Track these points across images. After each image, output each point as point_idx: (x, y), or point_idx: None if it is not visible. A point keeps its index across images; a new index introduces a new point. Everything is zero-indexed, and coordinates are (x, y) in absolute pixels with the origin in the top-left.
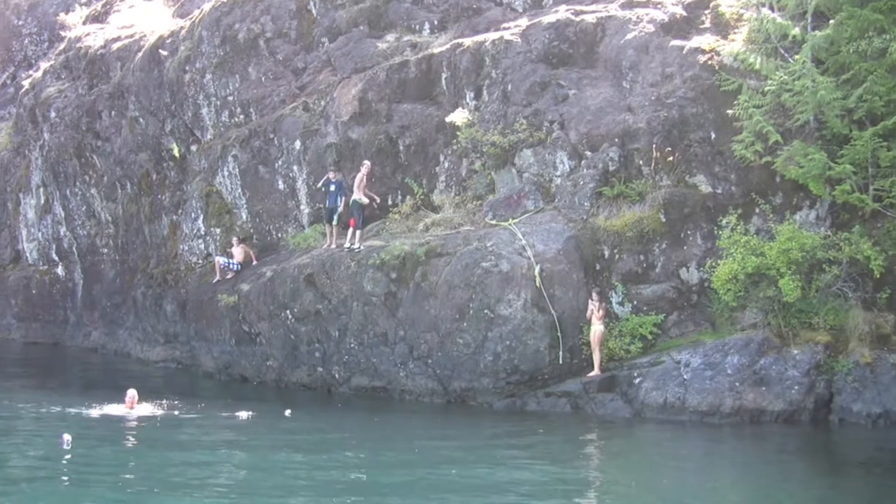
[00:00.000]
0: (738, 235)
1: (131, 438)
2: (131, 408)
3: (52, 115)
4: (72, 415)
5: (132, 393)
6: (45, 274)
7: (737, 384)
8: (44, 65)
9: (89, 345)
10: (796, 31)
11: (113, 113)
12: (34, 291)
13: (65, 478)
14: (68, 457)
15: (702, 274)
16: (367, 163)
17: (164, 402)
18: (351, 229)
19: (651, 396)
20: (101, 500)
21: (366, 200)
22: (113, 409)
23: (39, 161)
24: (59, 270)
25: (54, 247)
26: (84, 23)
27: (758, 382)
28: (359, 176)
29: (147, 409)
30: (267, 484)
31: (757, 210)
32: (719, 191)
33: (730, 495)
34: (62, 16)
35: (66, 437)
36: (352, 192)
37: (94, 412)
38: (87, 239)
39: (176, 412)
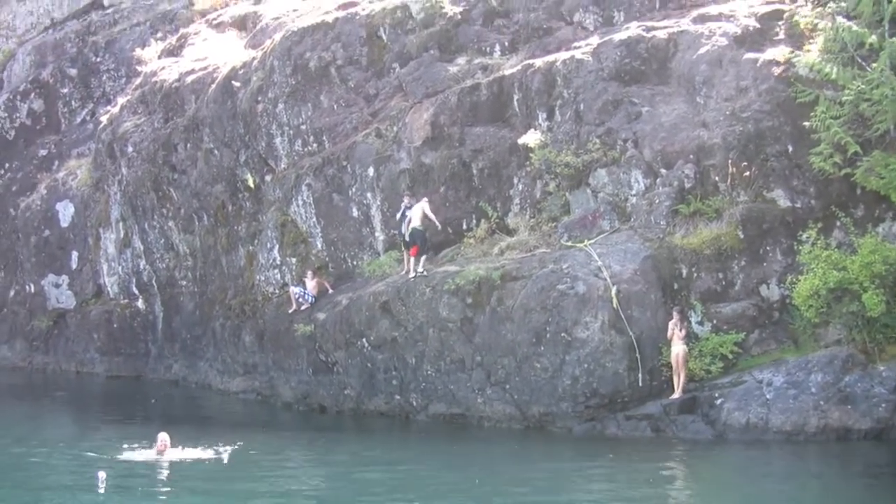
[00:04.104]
0: (818, 250)
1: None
2: (162, 452)
3: (130, 149)
4: (104, 459)
5: (163, 437)
6: (126, 307)
7: (821, 403)
8: (121, 100)
9: (171, 377)
10: (873, 38)
11: (188, 145)
12: (115, 325)
13: None
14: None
15: (782, 290)
16: (425, 199)
17: (203, 445)
18: (415, 257)
19: (733, 417)
20: None
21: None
22: (142, 454)
23: (118, 195)
24: (140, 304)
25: (134, 280)
26: (159, 57)
27: (843, 400)
28: (421, 207)
29: (179, 453)
30: None
31: (837, 223)
32: (798, 205)
33: None
34: (138, 51)
35: (101, 474)
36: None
37: (123, 456)
38: (167, 272)
39: (218, 454)
